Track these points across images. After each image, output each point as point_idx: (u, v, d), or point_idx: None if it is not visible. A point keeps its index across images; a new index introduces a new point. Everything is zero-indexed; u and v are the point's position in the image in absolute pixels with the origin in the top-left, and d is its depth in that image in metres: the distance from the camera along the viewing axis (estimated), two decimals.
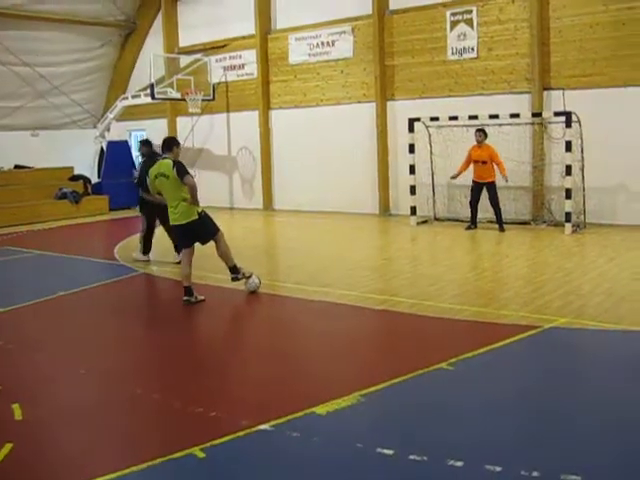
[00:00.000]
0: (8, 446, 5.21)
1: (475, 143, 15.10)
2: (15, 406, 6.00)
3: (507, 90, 16.11)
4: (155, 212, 12.60)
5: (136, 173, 14.22)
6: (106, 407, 6.16)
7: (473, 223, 15.46)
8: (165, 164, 9.61)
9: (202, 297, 9.73)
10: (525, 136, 15.66)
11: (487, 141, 15.00)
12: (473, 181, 15.29)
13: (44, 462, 5.11)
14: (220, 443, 5.15)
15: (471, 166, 15.27)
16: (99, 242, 16.13)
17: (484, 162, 14.96)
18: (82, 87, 23.88)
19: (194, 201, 9.50)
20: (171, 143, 9.95)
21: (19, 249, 15.33)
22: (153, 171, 9.82)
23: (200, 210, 9.69)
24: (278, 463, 4.90)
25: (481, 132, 15.01)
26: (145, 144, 13.58)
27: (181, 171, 9.44)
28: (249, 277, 10.15)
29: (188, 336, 8.56)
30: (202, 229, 9.80)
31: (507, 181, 14.81)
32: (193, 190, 9.40)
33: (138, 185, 12.99)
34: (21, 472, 4.90)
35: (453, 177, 15.76)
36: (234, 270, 10.10)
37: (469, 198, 15.54)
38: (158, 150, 11.01)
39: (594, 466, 4.64)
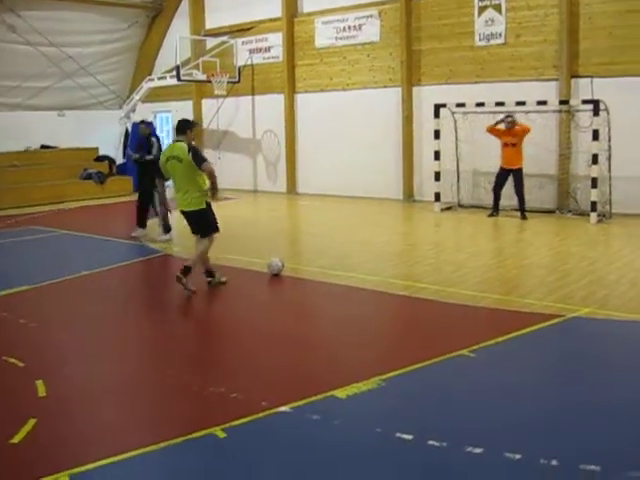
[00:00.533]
0: (32, 421, 5.27)
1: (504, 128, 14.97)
2: (39, 382, 6.07)
3: (534, 77, 15.96)
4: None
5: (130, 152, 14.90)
6: (128, 386, 6.23)
7: (495, 210, 15.39)
8: (179, 147, 9.24)
9: (193, 289, 9.41)
10: (552, 124, 15.53)
11: None
12: (501, 167, 15.18)
13: (67, 438, 5.16)
14: (240, 424, 5.18)
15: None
16: (123, 222, 16.17)
17: (514, 144, 14.85)
18: (108, 68, 23.93)
19: (213, 188, 9.22)
20: (184, 126, 9.42)
21: (44, 228, 15.46)
22: (165, 153, 9.54)
23: (208, 201, 9.49)
24: (297, 445, 4.92)
25: (510, 117, 14.85)
26: (147, 125, 14.82)
27: (198, 157, 9.16)
28: (223, 282, 9.81)
29: (210, 318, 8.61)
30: (204, 221, 9.53)
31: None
32: (213, 177, 9.15)
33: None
34: (44, 447, 4.96)
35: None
36: (209, 274, 9.78)
37: (492, 184, 15.46)
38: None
39: (613, 456, 4.62)
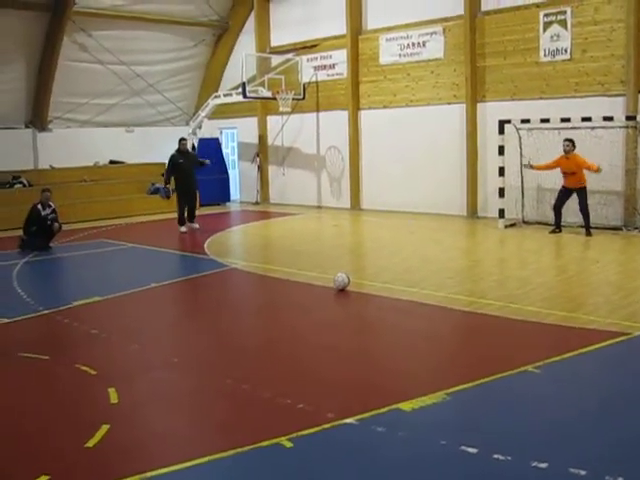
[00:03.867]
0: (105, 427, 5.46)
1: (563, 153, 14.91)
2: (111, 390, 6.27)
3: (600, 92, 15.79)
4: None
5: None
6: (197, 395, 6.38)
7: (557, 227, 15.27)
8: None
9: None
10: (618, 140, 15.33)
11: (579, 145, 14.77)
12: (563, 186, 15.10)
13: (139, 443, 5.34)
14: (307, 434, 5.28)
15: (559, 172, 15.11)
16: (189, 237, 16.51)
17: (573, 173, 14.80)
18: (175, 85, 24.44)
19: None
20: None
21: (113, 242, 15.86)
22: None
23: None
24: (362, 456, 4.99)
25: (569, 142, 14.80)
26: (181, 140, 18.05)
27: None
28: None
29: (276, 331, 8.72)
30: None
31: (599, 172, 14.54)
32: None
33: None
34: (117, 452, 5.13)
35: (529, 166, 15.83)
36: None
37: (554, 201, 15.38)
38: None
39: None
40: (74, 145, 21.81)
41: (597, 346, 7.31)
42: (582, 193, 14.83)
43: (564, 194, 15.11)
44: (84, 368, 6.97)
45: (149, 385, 6.62)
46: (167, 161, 17.78)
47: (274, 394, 6.12)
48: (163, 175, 18.55)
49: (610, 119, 14.69)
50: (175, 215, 17.72)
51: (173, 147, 22.17)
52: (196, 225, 17.69)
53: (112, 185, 21.78)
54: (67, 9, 19.48)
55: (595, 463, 4.71)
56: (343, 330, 8.66)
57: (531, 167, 15.91)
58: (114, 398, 6.13)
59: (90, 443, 5.21)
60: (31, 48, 20.14)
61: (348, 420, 5.50)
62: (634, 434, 5.23)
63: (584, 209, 14.83)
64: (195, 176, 17.85)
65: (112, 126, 23.06)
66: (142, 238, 16.27)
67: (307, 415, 5.66)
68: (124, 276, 12.16)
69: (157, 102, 24.05)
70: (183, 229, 17.32)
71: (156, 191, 22.15)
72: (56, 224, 15.05)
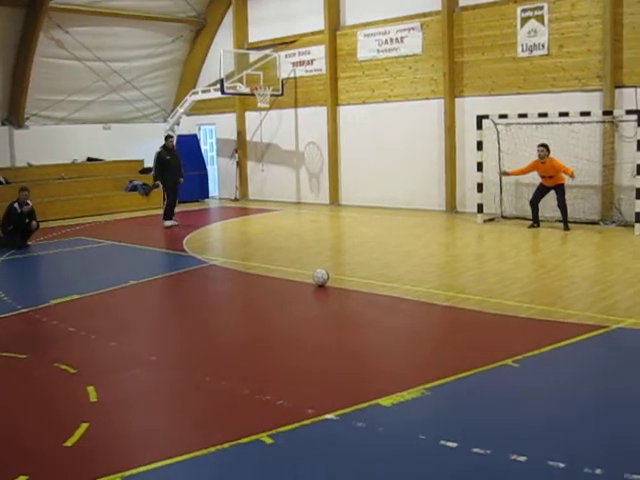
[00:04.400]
0: (84, 426, 5.44)
1: (537, 158, 15.06)
2: (90, 388, 6.25)
3: (578, 88, 15.90)
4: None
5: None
6: (176, 392, 6.37)
7: (536, 221, 15.38)
8: None
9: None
10: (595, 134, 15.44)
11: (556, 140, 14.88)
12: (541, 183, 15.21)
13: (118, 441, 5.33)
14: (287, 430, 5.29)
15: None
16: (168, 234, 16.45)
17: (551, 176, 14.93)
18: (153, 82, 24.30)
19: None
20: None
21: (92, 239, 15.78)
22: None
23: None
24: (343, 451, 5.00)
25: (544, 147, 14.91)
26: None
27: None
28: None
29: (255, 327, 8.72)
30: None
31: (573, 178, 14.65)
32: None
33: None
34: (96, 451, 5.11)
35: (504, 173, 15.93)
36: None
37: (530, 197, 15.50)
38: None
39: None
40: (51, 142, 21.64)
41: (575, 339, 7.36)
42: (560, 190, 14.93)
43: (541, 191, 15.22)
44: (63, 367, 6.94)
45: (128, 383, 6.60)
46: (154, 159, 18.01)
47: (253, 391, 6.12)
48: (151, 173, 18.93)
49: (587, 114, 14.78)
50: (160, 211, 17.81)
51: (151, 144, 22.12)
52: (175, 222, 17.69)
53: (90, 182, 21.63)
54: (43, 5, 19.28)
55: (574, 455, 4.75)
56: (322, 326, 8.68)
57: (506, 174, 16.08)
58: (93, 397, 6.11)
59: (69, 442, 5.19)
60: (6, 44, 19.92)
61: (328, 416, 5.51)
62: (613, 426, 5.28)
63: (562, 205, 14.94)
64: (181, 173, 17.96)
65: (89, 123, 22.89)
66: (121, 235, 16.19)
67: (287, 411, 5.67)
68: (103, 274, 12.08)
69: (135, 99, 23.90)
70: (168, 223, 17.48)
71: (134, 188, 22.09)
72: (34, 222, 14.95)
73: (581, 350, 7.19)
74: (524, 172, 15.54)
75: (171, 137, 18.47)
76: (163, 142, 17.97)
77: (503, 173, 16.24)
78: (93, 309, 9.56)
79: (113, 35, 21.98)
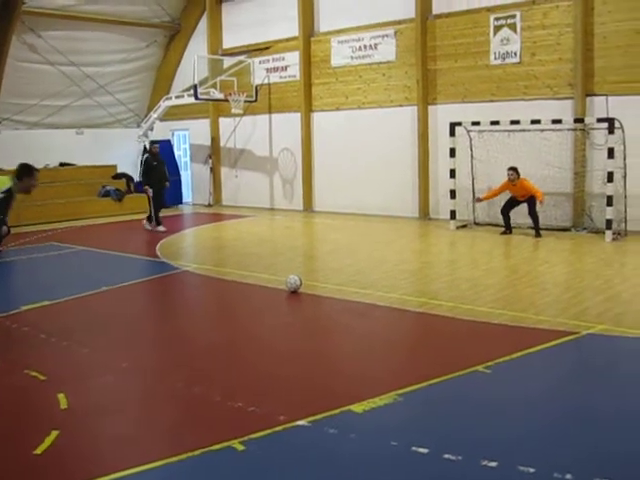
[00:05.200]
0: (54, 433, 5.38)
1: (507, 179, 15.27)
2: (60, 396, 6.18)
3: (549, 95, 16.06)
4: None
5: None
6: (147, 399, 6.32)
7: (508, 228, 15.53)
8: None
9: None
10: (567, 142, 15.61)
11: (529, 147, 15.04)
12: (512, 196, 15.37)
13: (89, 449, 5.28)
14: (259, 437, 5.27)
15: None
16: (141, 239, 16.37)
17: (523, 195, 15.12)
18: (127, 87, 24.24)
19: None
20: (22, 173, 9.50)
21: (64, 245, 15.65)
22: None
23: None
24: (315, 458, 4.99)
25: (513, 171, 15.11)
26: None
27: None
28: None
29: (228, 333, 8.69)
30: None
31: (542, 204, 14.85)
32: None
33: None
34: (67, 458, 5.06)
35: (477, 200, 16.08)
36: None
37: (502, 206, 15.66)
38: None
39: (630, 469, 4.67)
40: (23, 147, 21.34)
41: (547, 345, 7.41)
42: (531, 202, 15.07)
43: (511, 203, 15.41)
44: (33, 373, 6.86)
45: (99, 390, 6.54)
46: (141, 165, 18.30)
47: (225, 397, 6.09)
48: (140, 179, 18.98)
49: (559, 122, 14.93)
50: (136, 217, 17.81)
51: (124, 149, 22.13)
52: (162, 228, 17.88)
53: (62, 187, 21.46)
54: (16, 9, 19.14)
55: (544, 461, 4.77)
56: (295, 332, 8.67)
57: (479, 200, 16.28)
58: (64, 403, 6.04)
59: (39, 450, 5.12)
60: None
61: (300, 422, 5.51)
62: (582, 432, 5.32)
63: (533, 214, 15.10)
64: (167, 177, 18.25)
65: (62, 128, 22.79)
66: (93, 241, 16.09)
67: (259, 418, 5.65)
68: (74, 280, 12.00)
69: (108, 104, 23.81)
70: (149, 227, 17.85)
71: (107, 194, 21.97)
72: (4, 227, 14.76)
73: (552, 356, 7.24)
74: (496, 194, 15.73)
75: (156, 144, 18.64)
76: (145, 148, 18.29)
77: (477, 200, 16.42)
78: (65, 315, 9.47)
79: (87, 40, 21.92)
